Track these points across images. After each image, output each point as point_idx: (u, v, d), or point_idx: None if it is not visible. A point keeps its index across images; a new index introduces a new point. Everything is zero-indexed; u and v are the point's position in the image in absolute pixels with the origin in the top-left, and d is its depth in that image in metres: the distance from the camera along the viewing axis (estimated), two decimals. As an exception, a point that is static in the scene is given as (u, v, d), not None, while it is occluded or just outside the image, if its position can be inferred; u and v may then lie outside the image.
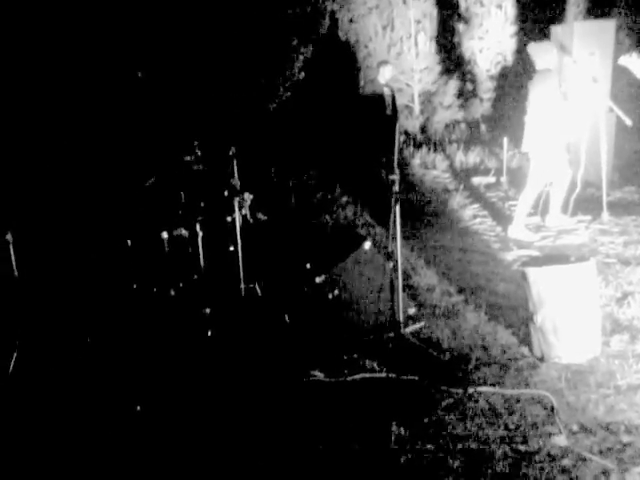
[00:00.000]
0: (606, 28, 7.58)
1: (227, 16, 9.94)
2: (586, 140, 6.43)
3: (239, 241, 4.57)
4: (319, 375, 3.72)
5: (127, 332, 4.19)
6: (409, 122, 12.06)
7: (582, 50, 7.26)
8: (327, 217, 7.05)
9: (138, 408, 3.45)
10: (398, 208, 4.01)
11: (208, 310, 4.37)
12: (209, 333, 4.18)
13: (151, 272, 4.57)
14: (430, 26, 12.03)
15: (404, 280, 4.66)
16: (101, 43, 8.06)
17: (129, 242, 4.54)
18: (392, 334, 4.00)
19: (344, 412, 3.36)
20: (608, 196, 6.42)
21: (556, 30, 8.25)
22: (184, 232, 4.63)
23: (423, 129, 12.06)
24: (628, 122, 5.99)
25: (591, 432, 3.05)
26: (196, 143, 4.98)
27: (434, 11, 12.01)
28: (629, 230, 5.97)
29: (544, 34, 9.02)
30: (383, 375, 3.65)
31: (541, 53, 5.87)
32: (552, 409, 3.24)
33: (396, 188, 3.99)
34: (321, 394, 3.56)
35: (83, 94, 7.47)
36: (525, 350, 3.87)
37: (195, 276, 4.58)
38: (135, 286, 4.50)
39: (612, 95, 7.01)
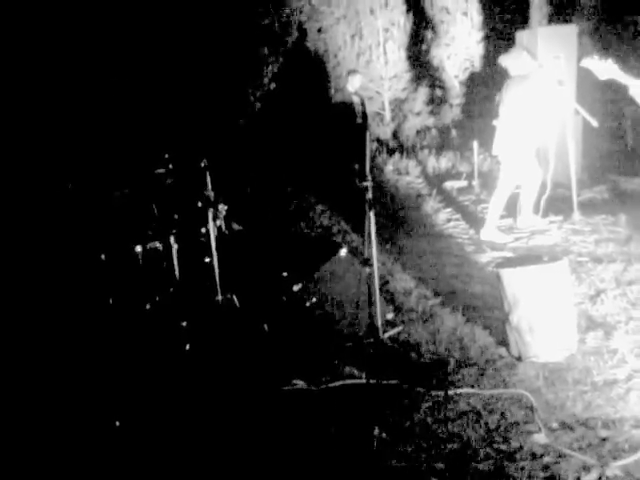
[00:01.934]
0: (569, 32, 7.74)
1: (196, 28, 9.93)
2: (555, 142, 6.54)
3: (214, 252, 4.54)
4: (300, 383, 3.70)
5: (104, 347, 4.13)
6: (381, 129, 12.15)
7: (547, 54, 7.40)
8: (303, 225, 7.05)
9: (117, 424, 3.39)
10: (372, 214, 4.03)
11: (185, 323, 4.33)
12: (187, 346, 4.14)
13: (126, 286, 4.51)
14: (398, 34, 12.16)
15: (381, 285, 4.68)
16: (67, 55, 7.99)
17: (103, 256, 4.48)
18: (371, 339, 4.00)
19: (326, 419, 3.35)
20: (578, 196, 6.53)
21: (521, 35, 8.41)
22: (158, 245, 4.59)
23: (395, 136, 12.16)
24: (594, 123, 6.12)
25: (570, 429, 3.09)
26: (167, 156, 4.95)
27: (402, 19, 12.15)
28: (600, 229, 6.08)
29: (509, 39, 9.18)
30: (363, 381, 3.65)
31: (512, 60, 5.98)
32: (531, 408, 3.28)
33: (369, 195, 4.01)
34: (302, 402, 3.54)
35: (50, 104, 7.39)
36: (503, 350, 3.91)
37: (171, 289, 4.54)
38: (110, 301, 4.44)
39: (578, 97, 7.15)
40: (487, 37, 12.10)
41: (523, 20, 11.28)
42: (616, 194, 7.20)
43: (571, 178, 6.48)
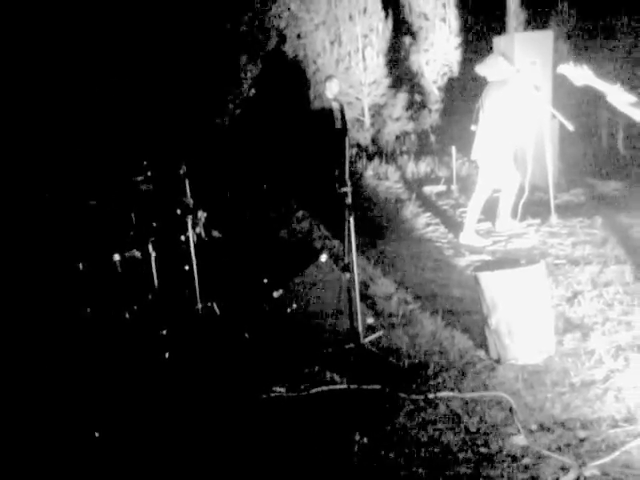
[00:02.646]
0: (545, 38, 7.85)
1: (174, 34, 9.89)
2: (532, 146, 6.62)
3: (194, 260, 4.51)
4: (280, 390, 3.69)
5: (83, 357, 4.08)
6: (360, 135, 12.20)
7: (524, 59, 7.50)
8: (283, 231, 7.05)
9: (96, 434, 3.36)
10: (352, 219, 4.04)
11: (164, 331, 4.30)
12: (166, 355, 4.11)
13: (104, 295, 4.47)
14: (377, 40, 12.23)
15: (362, 290, 4.69)
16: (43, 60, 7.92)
17: (80, 265, 4.43)
18: (352, 345, 4.01)
19: (307, 425, 3.35)
20: (555, 199, 6.61)
21: (498, 41, 8.51)
22: (137, 253, 4.55)
23: (374, 141, 12.21)
24: (570, 127, 6.20)
25: (549, 430, 3.11)
26: (145, 163, 4.92)
27: (380, 26, 12.22)
28: (577, 231, 6.16)
29: (487, 45, 9.28)
30: (344, 386, 3.65)
31: (488, 68, 6.05)
32: (511, 410, 3.30)
33: (349, 200, 4.03)
34: (283, 409, 3.53)
35: (24, 112, 7.31)
36: (482, 353, 3.94)
37: (150, 297, 4.51)
38: (88, 310, 4.39)
39: (554, 102, 7.25)
40: (465, 43, 12.23)
41: (500, 26, 11.41)
42: (592, 197, 7.31)
43: (548, 182, 6.55)
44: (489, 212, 6.48)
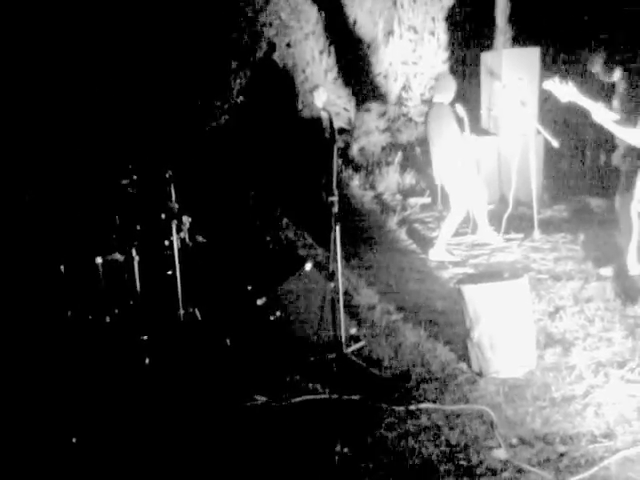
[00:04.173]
0: (532, 55, 7.95)
1: (164, 39, 9.87)
2: (517, 161, 6.68)
3: (177, 265, 4.48)
4: (262, 398, 3.67)
5: (61, 361, 4.02)
6: (347, 145, 12.24)
7: (511, 75, 7.59)
8: (268, 239, 7.03)
9: (74, 440, 3.30)
10: (338, 229, 4.04)
11: (145, 337, 4.25)
12: (147, 360, 4.06)
13: (85, 299, 4.41)
14: (367, 51, 12.30)
15: (345, 300, 4.68)
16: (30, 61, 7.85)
17: (62, 268, 4.38)
18: (334, 354, 3.99)
19: (287, 434, 3.32)
20: (539, 214, 6.66)
21: (486, 56, 8.60)
22: (119, 257, 4.51)
23: (361, 152, 12.25)
24: (555, 144, 6.27)
25: (529, 444, 3.12)
26: (131, 166, 4.88)
27: (370, 37, 12.30)
28: (559, 247, 6.21)
29: (475, 60, 9.37)
30: (326, 396, 3.64)
31: (442, 86, 6.12)
32: (491, 423, 3.31)
33: (336, 209, 4.03)
34: (264, 417, 3.51)
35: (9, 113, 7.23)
36: (464, 366, 3.94)
37: (131, 302, 4.46)
38: (69, 313, 4.33)
39: (540, 118, 7.33)
40: (453, 57, 12.33)
41: (488, 42, 11.54)
42: (575, 213, 7.37)
43: (532, 197, 6.61)
44: (468, 225, 6.54)
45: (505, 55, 7.99)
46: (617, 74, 5.11)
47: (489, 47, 11.10)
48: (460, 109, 6.23)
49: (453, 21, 12.46)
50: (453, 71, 12.09)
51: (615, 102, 5.03)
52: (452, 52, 12.38)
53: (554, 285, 5.17)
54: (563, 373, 3.75)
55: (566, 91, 4.67)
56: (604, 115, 4.69)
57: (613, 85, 5.18)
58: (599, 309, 4.59)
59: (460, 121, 6.19)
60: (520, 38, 11.14)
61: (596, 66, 5.22)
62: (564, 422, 3.29)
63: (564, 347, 4.07)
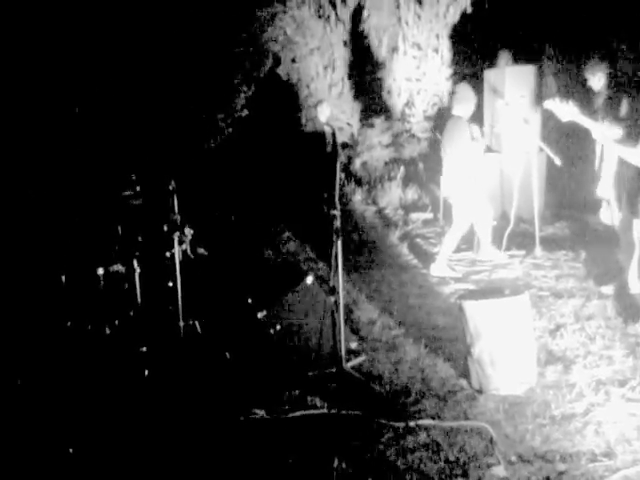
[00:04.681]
0: (534, 73, 8.01)
1: (170, 52, 9.96)
2: (519, 178, 6.70)
3: (178, 277, 4.48)
4: (260, 413, 3.65)
5: (61, 372, 4.01)
6: (350, 160, 12.28)
7: (513, 93, 7.63)
8: (270, 252, 7.04)
9: (70, 450, 3.29)
10: (340, 243, 4.05)
11: (145, 348, 4.24)
12: (146, 372, 4.06)
13: (86, 309, 4.42)
14: (371, 67, 12.38)
15: (346, 314, 4.67)
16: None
17: (63, 278, 4.39)
18: (334, 369, 3.99)
19: (286, 449, 3.30)
20: (540, 232, 6.66)
21: (489, 74, 8.66)
22: (121, 268, 4.51)
23: (364, 166, 12.29)
24: (557, 162, 6.29)
25: (529, 462, 3.10)
26: (134, 177, 4.91)
27: (375, 52, 12.39)
28: (560, 264, 6.21)
29: (478, 78, 9.42)
30: (325, 411, 3.62)
31: (461, 98, 6.11)
32: (491, 440, 3.29)
33: (337, 223, 4.04)
34: (263, 432, 3.49)
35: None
36: (464, 382, 3.93)
37: (132, 313, 4.46)
38: (69, 324, 4.33)
39: (542, 136, 7.36)
40: (456, 74, 12.40)
41: (491, 59, 11.60)
42: (577, 230, 7.37)
43: (534, 214, 6.62)
44: (471, 242, 6.54)
45: (508, 72, 8.05)
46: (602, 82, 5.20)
47: (492, 64, 11.17)
48: (476, 130, 6.22)
49: (457, 39, 12.54)
50: (454, 91, 12.16)
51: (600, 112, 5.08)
52: (455, 69, 12.45)
53: (555, 302, 5.16)
54: (563, 391, 3.74)
55: (567, 110, 4.70)
56: (605, 133, 4.71)
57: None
58: (600, 327, 4.58)
59: (474, 140, 6.19)
60: (521, 56, 11.20)
61: (591, 75, 5.29)
62: (564, 440, 3.27)
63: (565, 365, 4.06)
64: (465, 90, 6.20)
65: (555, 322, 4.76)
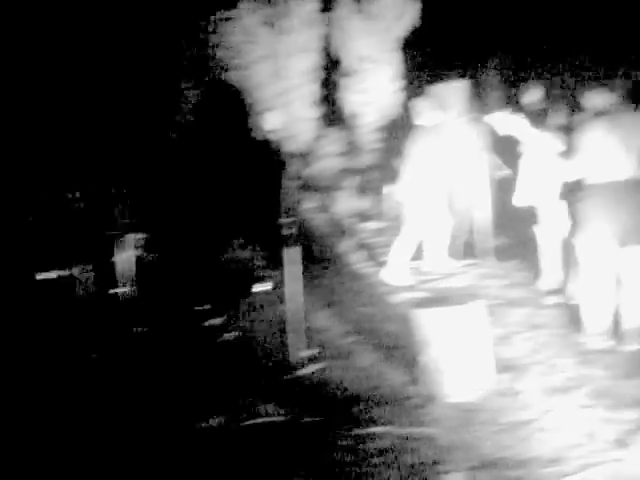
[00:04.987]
0: (467, 88, 8.28)
1: (110, 51, 9.73)
2: (474, 189, 6.83)
3: (127, 282, 4.36)
4: (214, 420, 3.56)
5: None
6: (302, 168, 12.29)
7: (459, 107, 7.79)
8: (223, 258, 6.92)
9: None
10: (292, 251, 4.03)
11: (94, 355, 4.10)
12: (94, 377, 3.91)
13: (27, 315, 4.24)
14: (317, 78, 12.42)
15: (302, 322, 4.63)
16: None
17: None
18: (289, 376, 3.95)
19: (241, 457, 3.23)
20: (492, 241, 6.78)
21: (437, 88, 8.83)
22: (65, 273, 4.36)
23: (315, 175, 12.32)
24: (506, 172, 6.45)
25: (480, 469, 3.12)
26: (81, 181, 4.77)
27: (322, 64, 12.44)
28: (512, 273, 6.33)
29: (425, 92, 9.59)
30: (280, 418, 3.57)
31: (422, 109, 6.26)
32: (444, 448, 3.29)
33: (290, 231, 4.03)
34: (216, 440, 3.41)
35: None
36: (417, 389, 3.94)
37: (78, 319, 4.30)
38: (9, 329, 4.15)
39: (495, 147, 7.50)
40: (404, 87, 12.59)
41: (439, 74, 11.84)
42: (529, 240, 7.54)
43: (488, 224, 6.74)
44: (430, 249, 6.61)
45: (454, 87, 8.26)
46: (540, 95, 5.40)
47: (440, 79, 11.39)
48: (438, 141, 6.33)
49: (404, 53, 12.75)
50: (403, 101, 12.35)
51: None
52: (403, 83, 12.65)
53: (506, 311, 5.26)
54: (514, 398, 3.79)
55: (509, 124, 4.83)
56: (544, 148, 4.85)
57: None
58: (550, 335, 4.69)
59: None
60: (466, 71, 11.48)
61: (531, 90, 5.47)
62: (515, 447, 3.31)
63: (515, 372, 4.12)
64: (428, 101, 6.33)
65: (506, 330, 4.84)
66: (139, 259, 4.71)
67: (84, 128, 8.48)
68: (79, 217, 4.65)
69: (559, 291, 5.57)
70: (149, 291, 4.65)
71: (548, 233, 5.62)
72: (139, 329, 4.36)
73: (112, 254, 4.52)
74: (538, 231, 5.63)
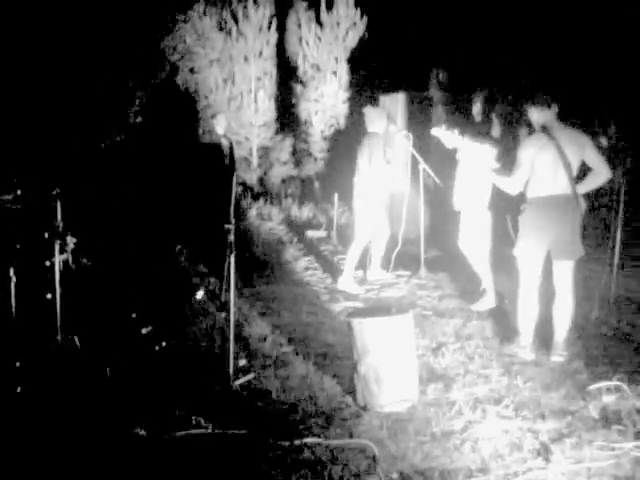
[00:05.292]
0: (405, 100, 8.49)
1: (54, 51, 9.47)
2: (406, 201, 6.97)
3: (58, 288, 4.23)
4: (142, 432, 3.49)
5: None
6: (247, 174, 12.23)
7: (406, 118, 7.97)
8: (159, 265, 6.81)
9: None
10: (233, 258, 4.00)
11: (18, 363, 3.95)
12: (18, 389, 3.77)
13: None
14: (270, 84, 12.43)
15: (236, 331, 4.60)
16: None
17: None
18: (222, 387, 3.91)
19: (166, 471, 3.18)
20: (426, 253, 6.93)
21: (384, 99, 8.99)
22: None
23: (261, 182, 12.29)
24: (440, 184, 6.62)
25: (409, 479, 3.17)
26: (15, 181, 4.60)
27: (274, 70, 12.46)
28: (443, 285, 6.49)
29: (374, 102, 9.74)
30: (210, 430, 3.53)
31: (374, 117, 6.37)
32: (374, 458, 3.33)
33: (231, 238, 3.99)
34: (143, 453, 3.34)
35: None
36: (350, 400, 3.97)
37: (4, 326, 4.14)
38: None
39: (426, 159, 7.68)
40: (353, 97, 12.74)
41: (387, 85, 12.01)
42: (460, 253, 7.73)
43: (420, 236, 6.89)
44: (362, 261, 6.69)
45: (401, 99, 8.41)
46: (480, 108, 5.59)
47: (388, 90, 11.57)
48: (388, 152, 6.45)
49: (355, 63, 12.90)
50: (353, 111, 12.49)
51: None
52: (353, 92, 12.78)
53: (437, 322, 5.38)
54: (444, 408, 3.87)
55: (452, 138, 4.97)
56: (487, 164, 5.01)
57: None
58: (478, 347, 4.82)
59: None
60: (413, 83, 11.71)
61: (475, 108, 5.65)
62: (443, 457, 3.38)
63: (445, 383, 4.21)
64: (373, 112, 6.45)
65: (437, 341, 4.95)
66: (72, 263, 4.57)
67: (19, 127, 8.21)
68: (13, 218, 4.48)
69: (489, 302, 5.75)
70: (80, 297, 4.52)
71: (477, 244, 5.78)
72: (67, 336, 4.23)
73: (45, 257, 4.36)
74: (465, 242, 5.80)
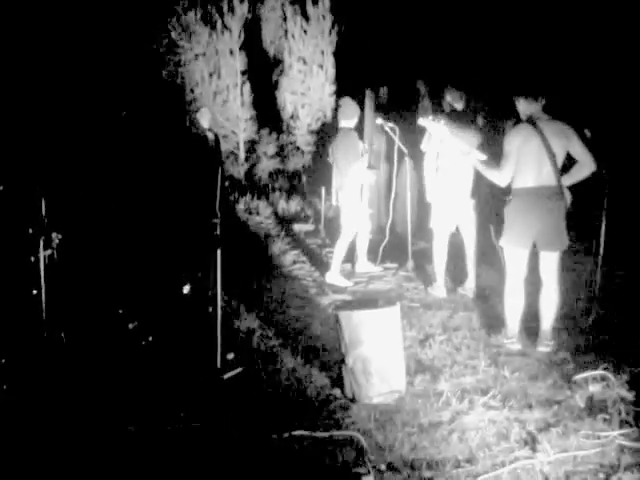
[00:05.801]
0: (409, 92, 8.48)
1: (36, 47, 9.38)
2: (394, 193, 6.98)
3: (43, 284, 4.19)
4: (131, 428, 3.48)
5: None
6: (234, 168, 12.20)
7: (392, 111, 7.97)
8: (145, 260, 6.77)
9: None
10: (220, 252, 3.98)
11: (3, 360, 3.92)
12: (4, 386, 3.74)
13: None
14: (256, 78, 12.39)
15: (225, 324, 4.59)
16: None
17: None
18: (210, 381, 3.90)
19: (156, 465, 3.17)
20: (413, 246, 6.94)
21: (370, 93, 8.98)
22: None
23: (248, 176, 12.26)
24: (425, 175, 6.63)
25: (397, 470, 3.18)
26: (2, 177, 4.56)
27: (261, 64, 12.42)
28: (430, 277, 6.51)
29: (360, 95, 9.72)
30: (198, 425, 3.52)
31: (350, 111, 6.33)
32: (362, 450, 3.34)
33: (218, 231, 3.98)
34: (133, 448, 3.33)
35: None
36: (338, 392, 3.98)
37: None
38: None
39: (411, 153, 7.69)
40: (340, 91, 12.72)
41: (372, 78, 12.01)
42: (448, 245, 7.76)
43: (407, 229, 6.90)
44: (350, 254, 6.70)
45: (386, 92, 8.42)
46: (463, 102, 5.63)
47: (374, 84, 11.56)
48: (361, 144, 6.44)
49: (341, 56, 12.88)
50: (339, 105, 12.47)
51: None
52: (339, 86, 12.76)
53: (425, 313, 5.41)
54: (431, 399, 3.89)
55: (438, 129, 4.97)
56: (473, 155, 5.01)
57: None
58: (465, 338, 4.84)
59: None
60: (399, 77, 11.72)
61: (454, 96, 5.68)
62: (431, 448, 3.40)
63: (433, 374, 4.23)
64: (349, 105, 6.39)
65: (424, 332, 4.97)
66: (57, 259, 4.53)
67: (6, 118, 8.12)
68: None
69: (475, 293, 5.79)
70: (66, 292, 4.49)
71: (465, 235, 5.84)
72: (53, 332, 4.20)
73: (30, 253, 4.32)
74: (440, 231, 5.87)
